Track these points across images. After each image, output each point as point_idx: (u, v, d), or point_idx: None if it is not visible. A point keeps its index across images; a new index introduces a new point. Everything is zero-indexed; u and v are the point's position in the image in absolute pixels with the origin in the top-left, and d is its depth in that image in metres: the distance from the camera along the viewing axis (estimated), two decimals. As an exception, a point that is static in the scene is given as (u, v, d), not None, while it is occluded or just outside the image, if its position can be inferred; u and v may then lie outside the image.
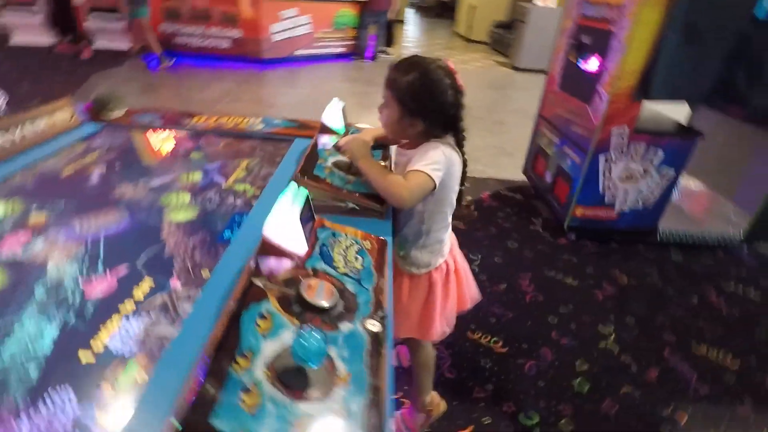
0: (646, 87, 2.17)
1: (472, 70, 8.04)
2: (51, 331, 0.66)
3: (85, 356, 0.61)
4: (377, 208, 0.99)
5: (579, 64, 2.55)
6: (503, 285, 2.21)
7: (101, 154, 1.25)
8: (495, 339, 1.88)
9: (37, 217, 0.94)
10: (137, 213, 0.97)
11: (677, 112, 2.77)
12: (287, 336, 0.57)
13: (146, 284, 0.76)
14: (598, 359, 1.84)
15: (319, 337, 0.50)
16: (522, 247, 2.57)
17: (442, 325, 1.24)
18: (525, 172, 3.33)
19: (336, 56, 7.38)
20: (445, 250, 1.19)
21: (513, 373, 1.74)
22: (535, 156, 3.16)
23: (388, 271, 0.80)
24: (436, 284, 1.19)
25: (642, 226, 2.63)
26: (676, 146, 2.38)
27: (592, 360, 1.83)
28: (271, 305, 0.61)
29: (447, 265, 1.20)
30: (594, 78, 2.39)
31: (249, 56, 6.29)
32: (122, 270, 0.79)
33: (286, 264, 0.71)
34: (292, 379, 0.51)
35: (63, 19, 6.05)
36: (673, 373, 1.81)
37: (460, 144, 1.08)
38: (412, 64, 1.02)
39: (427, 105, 1.02)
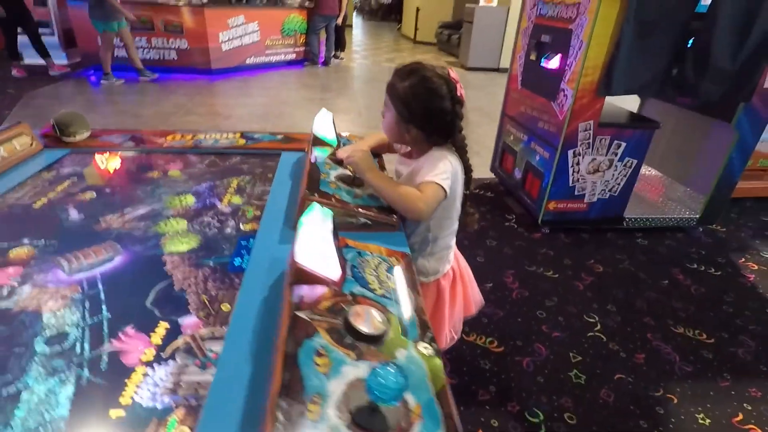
0: (609, 83, 2.27)
1: (425, 72, 8.12)
2: (66, 392, 0.57)
3: (116, 414, 0.54)
4: (391, 222, 0.96)
5: (541, 63, 2.63)
6: (489, 284, 2.23)
7: (73, 182, 1.13)
8: (490, 339, 1.89)
9: (16, 259, 0.83)
10: (131, 246, 0.88)
11: (625, 102, 2.92)
12: (349, 372, 0.53)
13: (162, 327, 0.69)
14: (589, 349, 1.89)
15: (395, 371, 0.47)
16: (501, 244, 2.62)
17: (450, 333, 1.23)
18: (493, 169, 3.40)
19: (287, 63, 7.27)
20: (451, 256, 1.18)
21: (512, 371, 1.75)
22: (503, 153, 3.23)
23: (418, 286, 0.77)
24: (444, 291, 1.18)
25: (610, 215, 2.75)
26: (638, 137, 2.50)
27: (584, 350, 1.88)
28: (323, 339, 0.56)
29: (453, 271, 1.19)
30: (556, 75, 2.47)
31: (197, 67, 6.07)
32: (131, 312, 0.71)
33: (320, 291, 0.66)
34: (369, 420, 0.47)
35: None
36: (658, 354, 1.90)
37: (462, 150, 1.07)
38: (412, 70, 0.99)
39: (421, 112, 1.00)
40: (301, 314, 0.59)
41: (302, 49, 7.40)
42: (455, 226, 1.14)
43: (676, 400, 1.68)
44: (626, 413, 1.61)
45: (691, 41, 2.34)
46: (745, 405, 1.69)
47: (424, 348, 0.61)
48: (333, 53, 7.71)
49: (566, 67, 2.38)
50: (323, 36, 7.39)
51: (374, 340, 0.59)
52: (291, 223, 0.97)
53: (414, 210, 0.95)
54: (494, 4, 8.29)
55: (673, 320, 2.10)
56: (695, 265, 2.57)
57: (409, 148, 1.11)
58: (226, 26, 6.11)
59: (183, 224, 0.96)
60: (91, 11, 4.93)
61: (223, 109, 4.88)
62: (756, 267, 2.61)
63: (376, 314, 0.62)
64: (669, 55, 2.30)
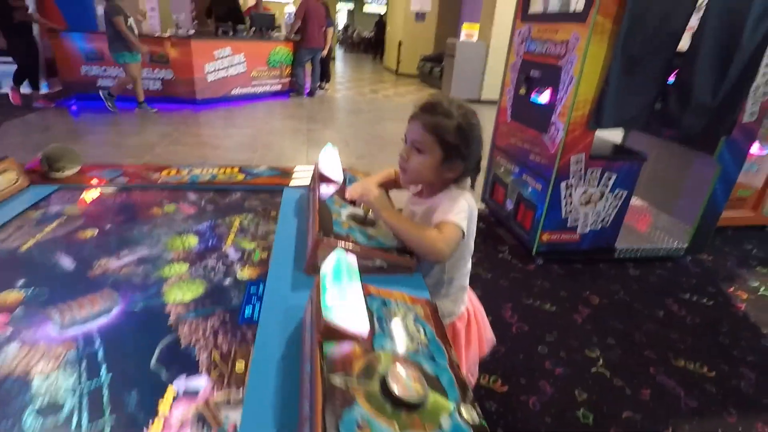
0: (599, 117, 2.31)
1: (408, 102, 8.29)
2: (62, 478, 0.50)
3: None
4: (408, 264, 0.91)
5: (530, 97, 2.68)
6: (489, 318, 2.17)
7: (63, 222, 1.06)
8: (494, 378, 1.83)
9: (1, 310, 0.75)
10: (131, 294, 0.81)
11: (610, 135, 2.98)
12: (396, 448, 0.47)
13: (170, 392, 0.61)
14: (594, 386, 1.84)
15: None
16: (496, 276, 2.59)
17: (467, 377, 1.17)
18: (483, 200, 3.41)
19: (273, 94, 7.30)
20: (466, 297, 1.14)
21: (519, 412, 1.69)
22: (493, 184, 3.24)
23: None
24: (460, 334, 1.13)
25: (602, 246, 2.76)
26: (627, 168, 2.54)
27: (589, 387, 1.83)
28: (363, 409, 0.50)
29: (468, 312, 1.15)
30: (547, 109, 2.51)
31: (182, 97, 6.02)
32: (134, 376, 0.64)
33: (349, 349, 0.61)
34: None
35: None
36: (663, 389, 1.86)
37: (473, 184, 1.05)
38: (447, 106, 0.96)
39: (471, 146, 0.99)
40: (336, 379, 0.53)
41: (288, 80, 7.46)
42: (470, 265, 1.11)
43: (686, 439, 1.64)
44: (638, 455, 1.56)
45: (673, 78, 2.43)
46: (753, 442, 1.66)
47: (468, 412, 0.55)
48: (318, 84, 7.80)
49: (557, 102, 2.43)
50: (309, 68, 7.48)
51: (416, 405, 0.53)
52: (302, 267, 0.92)
53: (434, 251, 0.91)
54: (475, 39, 8.59)
55: (673, 353, 2.08)
56: (687, 296, 2.58)
57: (420, 187, 1.08)
58: (212, 57, 6.12)
59: (185, 269, 0.90)
60: (113, 45, 5.05)
61: (209, 139, 4.82)
62: (745, 296, 2.64)
63: (413, 375, 0.56)
64: (654, 90, 2.37)
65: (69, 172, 1.29)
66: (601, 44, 2.18)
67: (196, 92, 6.04)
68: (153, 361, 0.66)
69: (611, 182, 2.55)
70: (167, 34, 6.02)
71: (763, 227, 3.58)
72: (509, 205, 2.99)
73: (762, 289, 2.73)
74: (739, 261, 3.07)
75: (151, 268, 0.90)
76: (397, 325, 0.68)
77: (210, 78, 6.17)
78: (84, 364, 0.65)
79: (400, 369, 0.56)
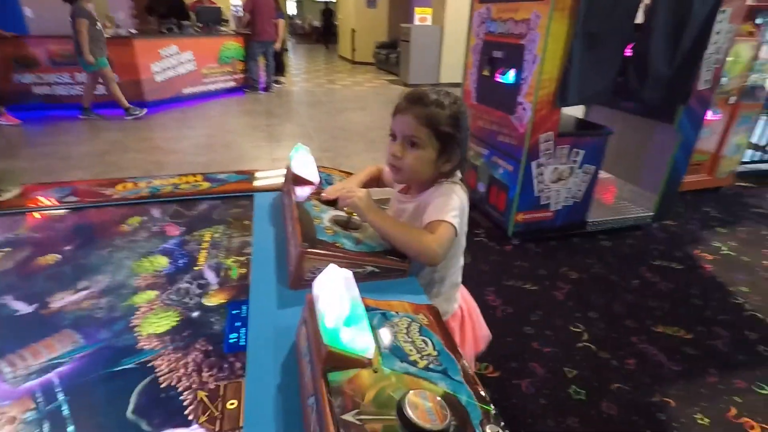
0: (564, 94, 2.31)
1: (367, 90, 8.19)
2: None
3: None
4: (401, 266, 0.86)
5: (495, 78, 2.66)
6: (473, 305, 2.17)
7: (6, 254, 0.93)
8: (485, 364, 1.81)
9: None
10: (95, 333, 0.72)
11: (572, 109, 3.00)
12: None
13: (155, 445, 0.54)
14: (582, 361, 1.86)
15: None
16: (475, 260, 2.58)
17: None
18: (454, 185, 3.39)
19: (227, 91, 7.03)
20: (458, 295, 1.09)
21: (513, 396, 1.68)
22: (463, 169, 3.22)
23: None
24: (454, 333, 1.09)
25: (575, 221, 2.80)
26: (594, 144, 2.57)
27: (577, 363, 1.85)
28: (384, 448, 0.45)
29: (461, 310, 1.10)
30: (513, 89, 2.49)
31: (131, 101, 5.66)
32: (110, 431, 0.55)
33: (354, 375, 0.55)
34: None
35: None
36: (646, 357, 1.91)
37: (463, 175, 1.00)
38: (436, 96, 0.90)
39: (463, 134, 0.94)
40: (349, 418, 0.47)
41: (242, 76, 7.19)
42: (461, 262, 1.06)
43: (673, 404, 1.68)
44: (631, 425, 1.59)
45: (631, 51, 2.46)
46: (734, 398, 1.72)
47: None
48: (274, 78, 7.56)
49: (521, 82, 2.41)
50: (262, 61, 7.23)
51: (440, 434, 0.48)
52: (286, 281, 0.84)
53: (427, 253, 0.85)
54: (429, 22, 8.53)
55: (651, 320, 2.14)
56: (658, 262, 2.66)
57: (404, 184, 1.01)
58: (157, 56, 5.80)
59: (156, 296, 0.80)
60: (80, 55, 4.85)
61: (164, 143, 4.57)
62: (711, 257, 2.74)
63: (433, 398, 0.51)
64: (616, 64, 2.39)
65: (8, 196, 1.15)
66: (562, 21, 2.17)
67: (144, 94, 5.71)
68: (129, 411, 0.58)
69: (579, 158, 2.57)
70: (107, 35, 5.64)
71: (718, 189, 3.74)
72: (481, 188, 2.98)
73: (724, 248, 2.85)
74: (701, 223, 3.20)
75: (116, 298, 0.80)
76: (402, 341, 0.62)
77: (158, 78, 5.85)
78: (46, 427, 0.56)
79: (416, 393, 0.51)
